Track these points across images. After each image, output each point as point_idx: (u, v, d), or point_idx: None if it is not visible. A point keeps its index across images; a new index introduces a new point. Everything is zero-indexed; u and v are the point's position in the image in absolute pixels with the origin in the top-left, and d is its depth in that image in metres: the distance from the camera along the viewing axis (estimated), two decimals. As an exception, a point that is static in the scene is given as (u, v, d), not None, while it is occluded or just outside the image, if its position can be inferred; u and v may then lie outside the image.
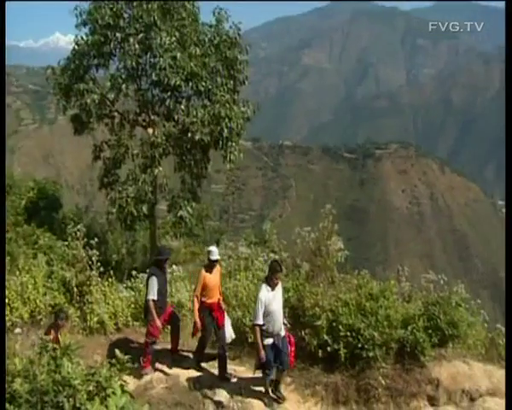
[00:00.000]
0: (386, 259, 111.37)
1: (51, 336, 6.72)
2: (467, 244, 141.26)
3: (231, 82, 15.78)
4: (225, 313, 7.83)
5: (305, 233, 9.76)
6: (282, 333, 6.97)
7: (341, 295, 7.96)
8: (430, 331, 7.59)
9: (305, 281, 8.73)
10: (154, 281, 7.55)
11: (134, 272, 10.98)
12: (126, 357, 4.54)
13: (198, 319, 7.53)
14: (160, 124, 15.72)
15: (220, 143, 15.00)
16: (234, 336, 7.79)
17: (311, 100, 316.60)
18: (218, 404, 6.72)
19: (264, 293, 6.80)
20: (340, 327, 7.35)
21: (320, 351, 7.49)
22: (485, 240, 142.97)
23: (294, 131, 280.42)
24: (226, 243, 14.26)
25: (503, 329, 9.18)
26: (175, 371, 7.69)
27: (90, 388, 3.84)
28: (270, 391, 7.08)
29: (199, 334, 7.82)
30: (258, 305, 6.75)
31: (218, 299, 7.74)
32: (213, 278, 7.59)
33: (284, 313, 7.23)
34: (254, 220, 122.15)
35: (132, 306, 9.87)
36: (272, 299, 6.80)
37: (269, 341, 6.77)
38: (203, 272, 7.58)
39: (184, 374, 7.60)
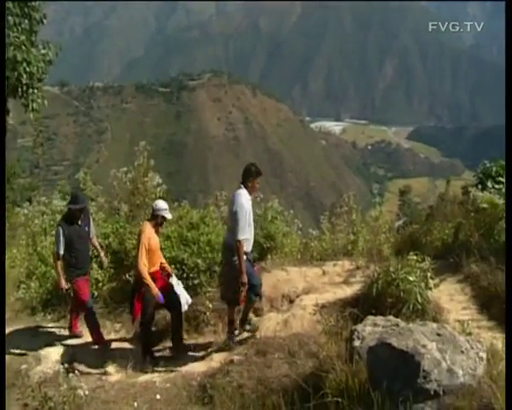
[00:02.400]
0: (206, 187, 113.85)
1: None
2: (281, 161, 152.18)
3: (26, 21, 14.01)
4: (173, 276, 6.57)
5: (121, 174, 9.42)
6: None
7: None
8: (250, 248, 7.97)
9: (126, 222, 8.50)
10: (58, 232, 6.42)
11: None
12: None
13: (154, 287, 6.03)
14: None
15: (19, 90, 13.44)
16: (190, 300, 6.47)
17: (120, 37, 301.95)
18: (45, 374, 6.11)
19: (247, 199, 5.48)
20: (164, 261, 7.35)
21: (147, 289, 7.40)
22: (297, 155, 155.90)
23: (105, 70, 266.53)
24: (39, 199, 13.05)
25: (314, 232, 10.20)
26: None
27: None
28: (234, 330, 6.13)
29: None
30: (243, 214, 5.41)
31: (161, 264, 6.49)
32: (157, 240, 6.34)
33: None
34: (70, 170, 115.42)
35: None
36: (251, 209, 5.59)
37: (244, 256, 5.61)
38: (149, 230, 6.15)
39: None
